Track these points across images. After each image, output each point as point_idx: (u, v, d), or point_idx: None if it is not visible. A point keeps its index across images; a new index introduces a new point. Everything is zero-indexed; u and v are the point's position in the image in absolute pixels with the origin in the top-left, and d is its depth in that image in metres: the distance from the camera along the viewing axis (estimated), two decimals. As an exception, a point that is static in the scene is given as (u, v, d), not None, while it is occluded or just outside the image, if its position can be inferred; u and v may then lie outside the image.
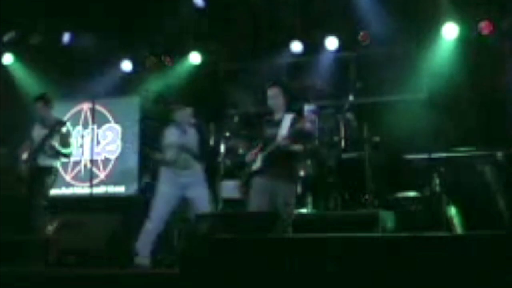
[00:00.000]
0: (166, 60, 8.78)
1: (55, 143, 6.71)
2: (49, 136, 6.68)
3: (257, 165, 5.52)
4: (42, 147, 6.69)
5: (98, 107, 8.57)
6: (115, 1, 8.46)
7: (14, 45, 8.89)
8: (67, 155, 6.92)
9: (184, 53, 8.69)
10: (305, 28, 8.14)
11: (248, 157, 5.66)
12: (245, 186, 5.65)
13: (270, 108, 5.64)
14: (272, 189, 5.38)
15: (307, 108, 7.25)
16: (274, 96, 5.59)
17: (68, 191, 9.06)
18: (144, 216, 6.28)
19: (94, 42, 8.68)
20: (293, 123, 5.47)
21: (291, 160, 5.53)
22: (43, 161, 6.72)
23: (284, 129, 5.45)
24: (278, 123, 5.54)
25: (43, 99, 7.00)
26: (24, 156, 6.82)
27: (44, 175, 6.70)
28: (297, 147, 5.47)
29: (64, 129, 6.83)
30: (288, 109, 5.63)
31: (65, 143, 6.81)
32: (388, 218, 6.30)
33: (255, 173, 5.52)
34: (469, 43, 7.43)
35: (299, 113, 6.71)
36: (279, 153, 5.40)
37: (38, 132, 6.86)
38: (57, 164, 6.87)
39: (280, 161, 5.42)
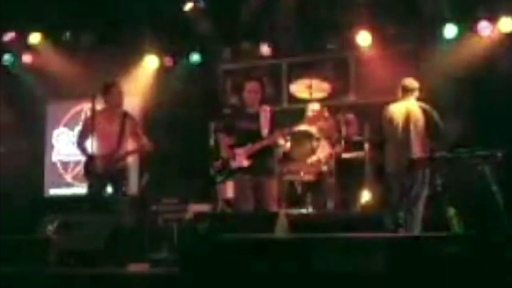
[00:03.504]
0: (166, 60, 8.79)
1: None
2: (124, 128, 6.15)
3: (240, 161, 5.45)
4: (122, 139, 6.15)
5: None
6: (115, 1, 8.47)
7: (14, 45, 8.89)
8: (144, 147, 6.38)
9: (184, 53, 8.70)
10: (305, 28, 8.14)
11: (224, 153, 5.63)
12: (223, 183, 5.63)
13: (245, 101, 5.61)
14: (256, 186, 5.37)
15: (310, 107, 7.26)
16: (254, 90, 5.58)
17: (68, 191, 9.06)
18: (143, 216, 6.28)
19: (94, 42, 8.68)
20: (275, 118, 5.47)
21: (273, 155, 5.55)
22: (124, 158, 6.26)
23: (264, 123, 5.44)
24: (254, 117, 5.52)
25: (119, 85, 6.36)
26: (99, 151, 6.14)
27: (123, 176, 6.27)
28: (282, 141, 5.50)
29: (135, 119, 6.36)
30: (262, 102, 5.62)
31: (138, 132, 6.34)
32: (388, 218, 6.29)
33: (238, 170, 5.46)
34: (469, 43, 7.43)
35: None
36: (265, 149, 5.40)
37: (103, 125, 6.16)
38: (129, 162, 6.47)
39: (265, 157, 5.42)
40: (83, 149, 6.26)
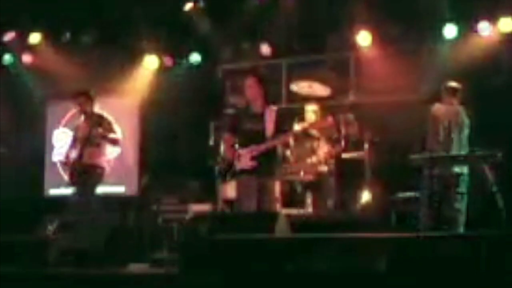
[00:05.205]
0: (166, 60, 8.79)
1: (100, 131, 6.62)
2: (92, 129, 6.59)
3: (244, 162, 5.43)
4: (88, 141, 6.59)
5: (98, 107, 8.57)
6: (115, 1, 8.46)
7: (14, 45, 8.89)
8: (115, 141, 6.82)
9: (184, 53, 8.71)
10: (306, 28, 8.14)
11: (227, 154, 5.60)
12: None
13: (247, 98, 5.60)
14: (260, 187, 5.36)
15: (310, 107, 7.26)
16: (250, 85, 5.53)
17: (68, 191, 9.05)
18: (143, 216, 6.28)
19: (94, 42, 8.68)
20: (280, 119, 5.44)
21: (276, 156, 5.55)
22: (89, 159, 6.60)
23: (270, 124, 5.41)
24: (258, 117, 5.49)
25: (86, 94, 6.85)
26: (73, 154, 6.74)
27: (91, 173, 6.59)
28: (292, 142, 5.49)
29: (105, 119, 6.79)
30: (267, 101, 5.59)
31: (110, 129, 6.77)
32: (387, 218, 6.29)
33: (243, 171, 5.45)
34: (469, 43, 7.43)
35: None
36: (269, 150, 5.38)
37: (82, 131, 6.74)
38: (103, 162, 6.76)
39: (269, 158, 5.41)
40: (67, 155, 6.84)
